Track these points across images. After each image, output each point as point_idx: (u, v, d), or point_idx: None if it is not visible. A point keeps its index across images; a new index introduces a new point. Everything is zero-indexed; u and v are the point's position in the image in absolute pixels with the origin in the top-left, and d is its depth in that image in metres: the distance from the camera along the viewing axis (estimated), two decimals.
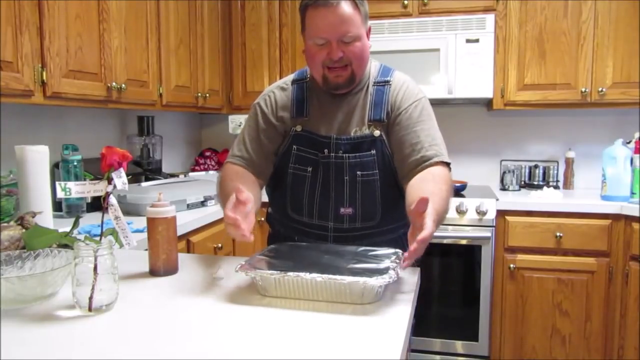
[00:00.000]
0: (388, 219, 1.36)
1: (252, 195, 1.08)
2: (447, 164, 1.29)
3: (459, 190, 2.65)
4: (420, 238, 0.94)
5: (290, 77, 1.48)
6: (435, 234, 2.62)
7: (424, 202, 0.95)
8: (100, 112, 2.38)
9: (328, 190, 1.37)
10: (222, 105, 2.96)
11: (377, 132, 1.34)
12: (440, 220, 1.12)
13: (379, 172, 1.36)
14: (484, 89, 2.59)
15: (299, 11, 1.34)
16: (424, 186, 1.18)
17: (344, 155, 1.34)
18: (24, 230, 1.19)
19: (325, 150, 1.36)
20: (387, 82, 1.38)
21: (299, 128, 1.38)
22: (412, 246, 0.94)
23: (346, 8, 1.25)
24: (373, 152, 1.35)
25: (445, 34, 2.61)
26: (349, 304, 0.93)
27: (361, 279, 0.90)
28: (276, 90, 1.46)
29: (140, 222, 1.61)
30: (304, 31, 1.33)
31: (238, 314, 0.89)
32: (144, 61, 2.17)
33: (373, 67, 1.42)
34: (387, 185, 1.35)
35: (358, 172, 1.35)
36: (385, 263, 1.00)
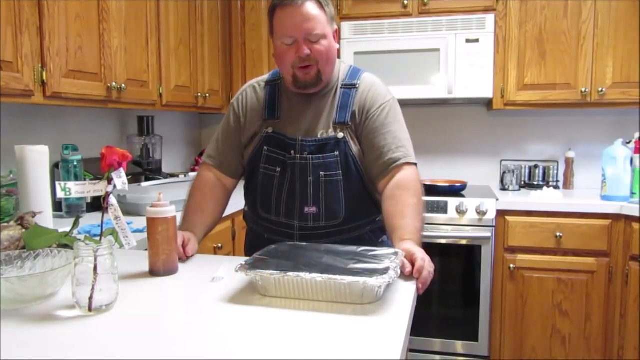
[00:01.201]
0: (352, 217, 1.40)
1: (195, 247, 1.28)
2: (415, 164, 1.36)
3: (459, 190, 2.65)
4: (417, 269, 1.07)
5: (264, 77, 1.53)
6: (436, 233, 2.62)
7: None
8: (100, 112, 2.38)
9: (294, 190, 1.40)
10: (222, 105, 2.96)
11: (340, 135, 1.38)
12: (422, 230, 1.25)
13: (342, 173, 1.39)
14: (484, 89, 2.59)
15: (267, 14, 1.39)
16: (400, 211, 1.26)
17: (308, 156, 1.38)
18: (24, 230, 1.19)
19: (292, 152, 1.40)
20: (354, 85, 1.42)
21: (270, 130, 1.42)
22: (418, 283, 1.06)
23: (312, 8, 1.31)
24: (336, 153, 1.38)
25: (445, 34, 2.60)
26: (349, 304, 0.93)
27: (361, 279, 0.90)
28: (249, 89, 1.51)
29: (140, 222, 1.61)
30: (273, 33, 1.38)
31: (238, 314, 0.89)
32: (144, 61, 2.17)
33: (342, 69, 1.46)
34: (350, 185, 1.39)
35: (321, 173, 1.38)
36: (385, 263, 1.00)
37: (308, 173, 1.38)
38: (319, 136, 1.39)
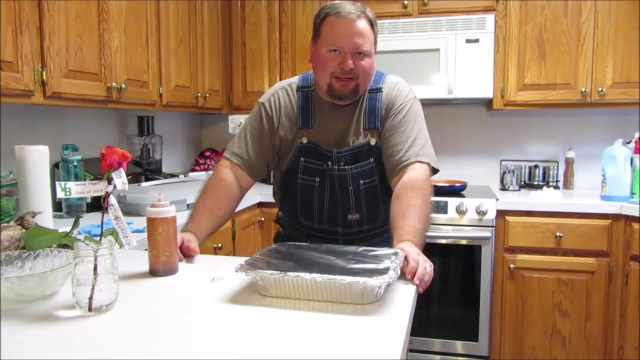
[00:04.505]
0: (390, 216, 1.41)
1: (197, 248, 1.25)
2: (427, 164, 1.35)
3: (459, 190, 2.65)
4: (409, 271, 1.06)
5: (294, 81, 1.50)
6: (436, 233, 2.62)
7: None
8: (100, 112, 2.38)
9: (336, 199, 1.43)
10: (222, 105, 2.96)
11: (373, 141, 1.40)
12: (425, 232, 1.23)
13: (379, 178, 1.42)
14: (484, 89, 2.59)
15: (314, 19, 1.39)
16: (403, 211, 1.24)
17: (346, 167, 1.40)
18: (24, 230, 1.19)
19: (329, 163, 1.41)
20: (379, 89, 1.43)
21: (304, 140, 1.43)
22: (415, 283, 1.05)
23: (364, 24, 1.32)
24: (371, 160, 1.41)
25: (445, 34, 2.60)
26: (349, 304, 0.93)
27: (361, 279, 0.90)
28: (280, 92, 1.48)
29: (140, 222, 1.61)
30: (317, 39, 1.37)
31: (238, 314, 0.89)
32: (144, 61, 2.17)
33: None
34: (386, 187, 1.40)
35: (360, 182, 1.41)
36: (385, 263, 1.00)
37: (348, 183, 1.41)
38: (351, 144, 1.41)
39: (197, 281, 1.08)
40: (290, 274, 0.94)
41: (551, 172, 2.87)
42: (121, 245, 1.09)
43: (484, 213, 2.40)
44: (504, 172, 2.84)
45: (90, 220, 1.80)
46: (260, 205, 2.65)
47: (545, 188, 2.60)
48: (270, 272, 0.95)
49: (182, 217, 1.32)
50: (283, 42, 2.91)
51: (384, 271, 0.94)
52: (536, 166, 2.90)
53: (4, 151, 1.81)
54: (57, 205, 1.90)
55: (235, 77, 3.00)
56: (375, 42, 1.38)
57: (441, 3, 2.65)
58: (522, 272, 2.44)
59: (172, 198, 1.89)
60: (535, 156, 2.97)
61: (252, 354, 0.74)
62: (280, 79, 2.86)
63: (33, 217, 1.27)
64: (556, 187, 2.79)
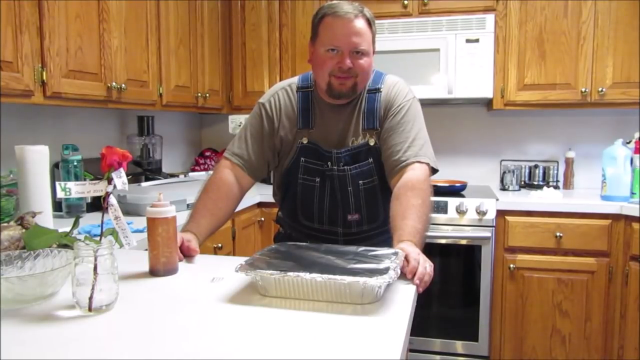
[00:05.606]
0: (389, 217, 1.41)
1: (197, 247, 1.25)
2: (427, 164, 1.34)
3: (459, 190, 2.65)
4: (409, 270, 1.06)
5: (294, 81, 1.50)
6: (436, 233, 2.63)
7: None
8: (100, 112, 2.38)
9: (335, 199, 1.43)
10: (222, 105, 2.96)
11: (372, 141, 1.40)
12: (425, 232, 1.23)
13: (378, 178, 1.42)
14: (484, 89, 2.59)
15: (312, 20, 1.39)
16: (403, 212, 1.23)
17: (345, 167, 1.40)
18: (24, 230, 1.19)
19: (329, 163, 1.41)
20: (378, 89, 1.43)
21: (305, 140, 1.43)
22: (415, 283, 1.05)
23: (362, 23, 1.32)
24: (370, 160, 1.41)
25: (445, 34, 2.60)
26: (349, 304, 0.93)
27: (361, 279, 0.90)
28: (280, 92, 1.49)
29: (140, 222, 1.61)
30: (315, 39, 1.38)
31: (238, 314, 0.89)
32: (144, 61, 2.17)
33: None
34: (386, 188, 1.40)
35: (360, 182, 1.41)
36: (385, 263, 1.00)
37: (347, 183, 1.41)
38: (350, 145, 1.41)
39: (197, 281, 1.08)
40: (290, 274, 0.94)
41: (551, 172, 2.87)
42: (121, 245, 1.09)
43: (484, 213, 2.40)
44: (504, 172, 2.84)
45: (90, 220, 1.80)
46: (260, 205, 2.65)
47: (545, 188, 2.60)
48: (270, 272, 0.95)
49: (182, 217, 1.32)
50: (283, 42, 2.91)
51: (384, 271, 0.94)
52: (536, 166, 2.90)
53: (4, 151, 1.81)
54: (57, 205, 1.90)
55: (235, 77, 3.00)
56: (374, 41, 1.38)
57: (441, 3, 2.65)
58: (522, 272, 2.44)
59: (172, 198, 1.89)
60: (535, 156, 2.97)
61: (252, 354, 0.74)
62: (280, 79, 2.87)
63: (33, 217, 1.27)
64: (556, 187, 2.79)
